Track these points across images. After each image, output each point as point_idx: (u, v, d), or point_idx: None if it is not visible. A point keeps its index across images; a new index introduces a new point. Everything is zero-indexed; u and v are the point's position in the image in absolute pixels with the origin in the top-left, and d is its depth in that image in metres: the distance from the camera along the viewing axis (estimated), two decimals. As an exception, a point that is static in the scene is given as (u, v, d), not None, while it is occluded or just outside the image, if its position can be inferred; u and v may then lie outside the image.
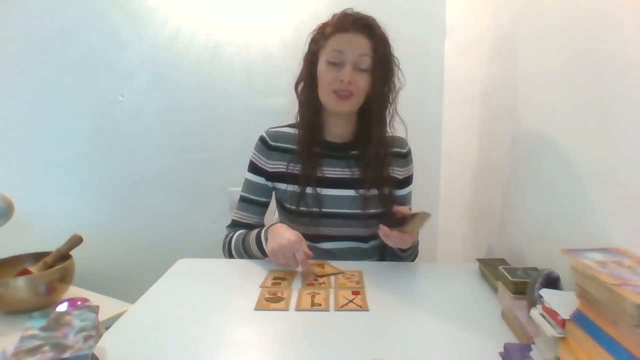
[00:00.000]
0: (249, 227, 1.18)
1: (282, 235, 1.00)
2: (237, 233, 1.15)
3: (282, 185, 1.17)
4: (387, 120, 1.13)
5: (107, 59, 1.74)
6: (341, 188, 1.14)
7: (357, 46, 1.03)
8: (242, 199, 1.20)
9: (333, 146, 1.16)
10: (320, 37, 1.08)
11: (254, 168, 1.18)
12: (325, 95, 1.08)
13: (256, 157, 1.18)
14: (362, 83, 1.05)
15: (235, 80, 1.76)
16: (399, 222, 0.99)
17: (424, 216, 0.93)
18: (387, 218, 1.04)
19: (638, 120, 0.66)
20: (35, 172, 1.78)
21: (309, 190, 1.13)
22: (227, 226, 1.22)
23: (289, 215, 1.17)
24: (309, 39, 1.11)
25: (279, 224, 1.07)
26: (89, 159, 1.81)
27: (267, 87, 1.75)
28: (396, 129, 1.17)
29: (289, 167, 1.15)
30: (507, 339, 0.71)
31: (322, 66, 1.07)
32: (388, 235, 0.98)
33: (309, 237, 1.16)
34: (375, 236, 1.20)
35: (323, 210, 1.13)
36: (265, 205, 1.21)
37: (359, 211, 1.14)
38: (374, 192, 1.14)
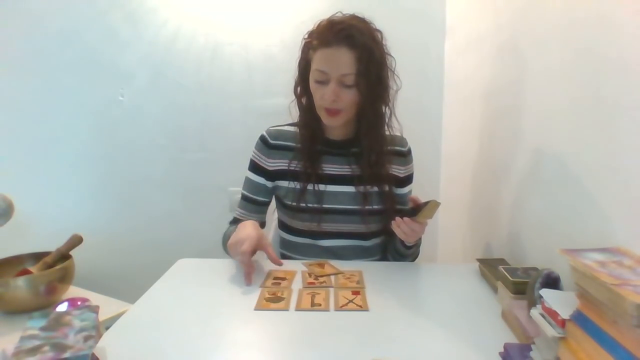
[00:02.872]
0: None
1: (243, 230, 1.02)
2: (230, 229, 1.18)
3: (283, 183, 1.17)
4: (386, 120, 1.13)
5: (107, 59, 1.74)
6: (341, 185, 1.15)
7: (340, 64, 1.02)
8: (243, 197, 1.22)
9: (334, 144, 1.17)
10: (309, 46, 1.07)
11: (254, 167, 1.19)
12: (317, 110, 1.10)
13: (256, 156, 1.19)
14: (348, 98, 1.05)
15: (235, 80, 1.76)
16: (410, 213, 1.00)
17: (434, 205, 0.94)
18: (394, 214, 1.04)
19: (638, 120, 0.66)
20: (35, 172, 1.78)
21: (309, 187, 1.14)
22: (229, 222, 1.24)
23: (289, 212, 1.17)
24: (301, 45, 1.11)
25: (249, 221, 1.07)
26: (89, 159, 1.81)
27: (267, 87, 1.75)
28: (397, 129, 1.17)
29: (291, 165, 1.16)
30: (507, 339, 0.71)
31: (311, 82, 1.07)
32: (399, 225, 0.99)
33: (309, 234, 1.17)
34: (376, 234, 1.20)
35: (323, 206, 1.14)
36: (265, 204, 1.22)
37: (358, 207, 1.14)
38: (373, 189, 1.15)
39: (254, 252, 0.99)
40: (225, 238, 1.17)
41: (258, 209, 1.21)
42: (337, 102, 1.05)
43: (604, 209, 0.73)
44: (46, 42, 1.71)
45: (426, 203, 0.95)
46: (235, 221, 1.21)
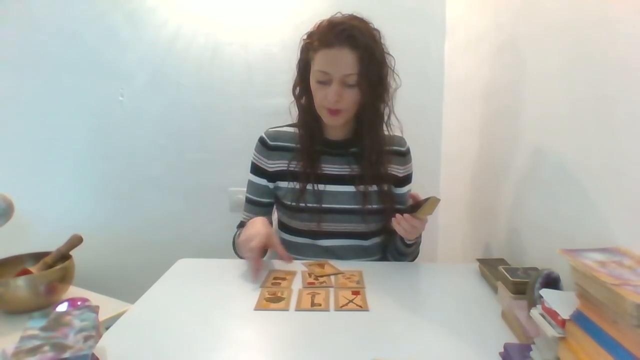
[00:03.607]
0: None
1: (253, 227, 1.04)
2: (239, 232, 1.19)
3: (283, 184, 1.17)
4: (385, 119, 1.13)
5: (107, 59, 1.74)
6: (341, 184, 1.15)
7: (342, 64, 1.02)
8: (247, 200, 1.23)
9: (333, 144, 1.17)
10: (310, 47, 1.07)
11: (255, 169, 1.20)
12: (318, 111, 1.10)
13: (257, 158, 1.19)
14: (350, 98, 1.05)
15: (235, 80, 1.76)
16: (410, 210, 1.00)
17: (434, 201, 0.95)
18: (394, 212, 1.04)
19: (638, 120, 0.66)
20: (35, 172, 1.78)
21: (308, 186, 1.14)
22: (237, 226, 1.25)
23: (289, 212, 1.17)
24: (300, 46, 1.11)
25: (259, 218, 1.09)
26: (89, 159, 1.81)
27: (267, 87, 1.75)
28: (396, 127, 1.17)
29: (290, 166, 1.16)
30: (507, 339, 0.71)
31: (312, 82, 1.07)
32: (399, 222, 0.99)
33: (309, 234, 1.17)
34: (376, 233, 1.20)
35: (322, 205, 1.14)
36: (269, 205, 1.23)
37: (358, 207, 1.14)
38: (373, 188, 1.15)
39: (263, 248, 1.01)
40: (235, 240, 1.18)
41: (263, 210, 1.22)
42: (339, 103, 1.05)
43: (604, 209, 0.73)
44: (46, 42, 1.71)
45: (426, 199, 0.95)
46: (242, 224, 1.23)
